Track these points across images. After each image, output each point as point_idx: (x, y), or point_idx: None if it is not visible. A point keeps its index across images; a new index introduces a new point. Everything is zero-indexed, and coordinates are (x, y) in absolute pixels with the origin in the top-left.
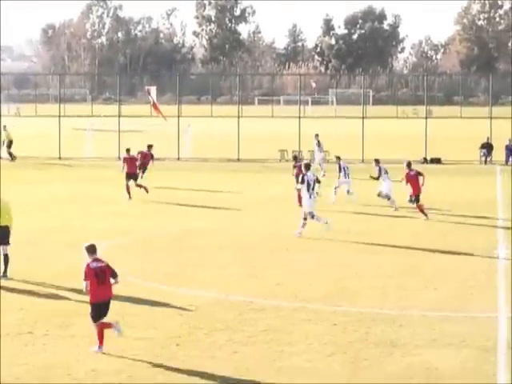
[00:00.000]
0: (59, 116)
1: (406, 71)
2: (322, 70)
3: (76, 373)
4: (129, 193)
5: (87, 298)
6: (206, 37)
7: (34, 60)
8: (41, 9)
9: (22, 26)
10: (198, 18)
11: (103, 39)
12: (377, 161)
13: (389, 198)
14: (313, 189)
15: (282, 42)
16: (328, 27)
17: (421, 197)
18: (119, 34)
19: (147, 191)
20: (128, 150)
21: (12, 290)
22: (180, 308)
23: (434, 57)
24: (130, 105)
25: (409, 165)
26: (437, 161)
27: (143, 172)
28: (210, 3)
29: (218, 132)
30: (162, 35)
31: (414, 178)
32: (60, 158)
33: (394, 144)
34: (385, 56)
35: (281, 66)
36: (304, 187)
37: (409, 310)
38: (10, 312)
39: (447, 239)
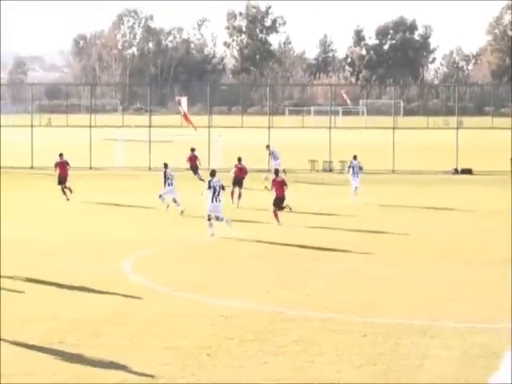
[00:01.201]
0: (90, 126)
1: (436, 82)
2: (353, 80)
3: (106, 382)
4: (65, 194)
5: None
6: (237, 47)
7: (65, 70)
8: (72, 19)
9: (54, 37)
10: (228, 28)
11: (134, 50)
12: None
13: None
14: (218, 194)
15: (312, 53)
16: (359, 38)
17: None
18: (150, 45)
19: (71, 192)
20: (61, 155)
21: (44, 300)
22: (210, 318)
23: (465, 67)
24: (160, 115)
25: (276, 172)
26: (468, 171)
27: (195, 173)
28: (240, 14)
29: (248, 142)
30: (192, 45)
31: (279, 185)
32: (91, 167)
33: (425, 155)
34: (416, 66)
35: (311, 76)
36: (210, 192)
37: (439, 321)
38: (41, 322)
39: (478, 250)
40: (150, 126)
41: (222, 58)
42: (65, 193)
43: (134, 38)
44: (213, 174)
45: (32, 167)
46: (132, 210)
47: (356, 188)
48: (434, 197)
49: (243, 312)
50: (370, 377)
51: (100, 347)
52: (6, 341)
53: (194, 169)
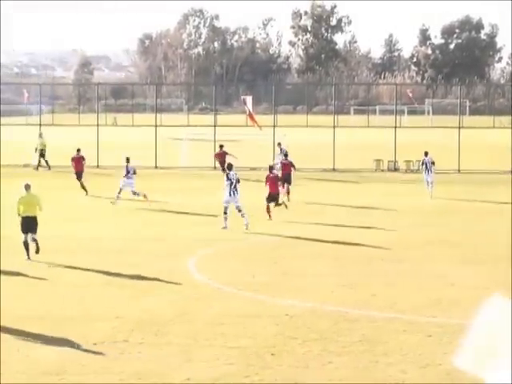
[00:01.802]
0: (155, 126)
1: (503, 81)
2: (418, 79)
3: (171, 381)
4: (85, 189)
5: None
6: (302, 46)
7: (130, 70)
8: (138, 19)
9: (120, 36)
10: (294, 27)
11: (199, 49)
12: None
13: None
14: (235, 187)
15: (378, 52)
16: (424, 37)
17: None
18: (215, 44)
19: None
20: (78, 150)
21: (109, 299)
22: (275, 317)
23: None
24: (225, 114)
25: (270, 168)
26: None
27: (223, 170)
28: (306, 13)
29: (313, 142)
30: (258, 45)
31: (272, 181)
32: (156, 167)
33: (491, 154)
34: (482, 66)
35: (377, 75)
36: (228, 184)
37: None
38: (106, 320)
39: None
40: (215, 126)
41: (288, 58)
42: (84, 188)
43: (200, 37)
44: (229, 167)
45: (98, 166)
46: (197, 209)
47: (431, 183)
48: (500, 196)
49: (308, 312)
50: (435, 377)
51: (164, 346)
52: (71, 339)
53: (223, 165)
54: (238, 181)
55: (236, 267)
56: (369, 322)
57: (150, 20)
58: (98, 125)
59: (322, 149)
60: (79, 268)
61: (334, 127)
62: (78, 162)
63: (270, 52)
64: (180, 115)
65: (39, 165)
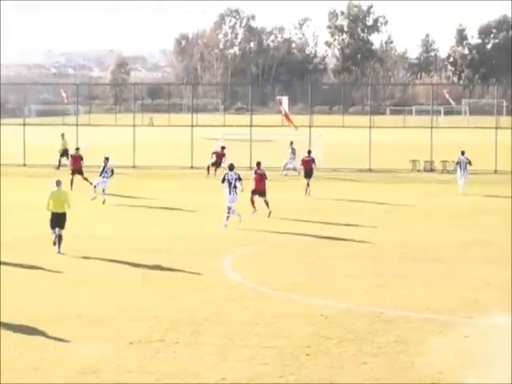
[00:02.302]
0: (192, 126)
1: None
2: (455, 79)
3: (206, 381)
4: (72, 185)
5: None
6: (339, 47)
7: (167, 70)
8: (175, 19)
9: (156, 37)
10: (330, 28)
11: (236, 49)
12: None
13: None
14: (234, 187)
15: (414, 52)
16: (461, 37)
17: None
18: (251, 45)
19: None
20: (77, 149)
21: (146, 298)
22: (310, 318)
23: None
24: (261, 114)
25: (258, 165)
26: None
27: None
28: (342, 13)
29: (349, 142)
30: (294, 45)
31: (259, 177)
32: (192, 167)
33: None
34: None
35: (413, 75)
36: (226, 184)
37: None
38: (142, 319)
39: None
40: (251, 126)
41: (324, 58)
42: (72, 184)
43: (236, 37)
44: (230, 168)
45: (134, 166)
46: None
47: (463, 182)
48: None
49: (343, 312)
50: (472, 378)
51: (199, 346)
52: (108, 337)
53: (219, 165)
54: (238, 179)
55: (271, 267)
56: (404, 323)
57: (187, 20)
58: (134, 125)
59: (357, 149)
60: (116, 267)
61: (370, 127)
62: (76, 160)
63: (306, 52)
64: (216, 115)
65: (60, 165)
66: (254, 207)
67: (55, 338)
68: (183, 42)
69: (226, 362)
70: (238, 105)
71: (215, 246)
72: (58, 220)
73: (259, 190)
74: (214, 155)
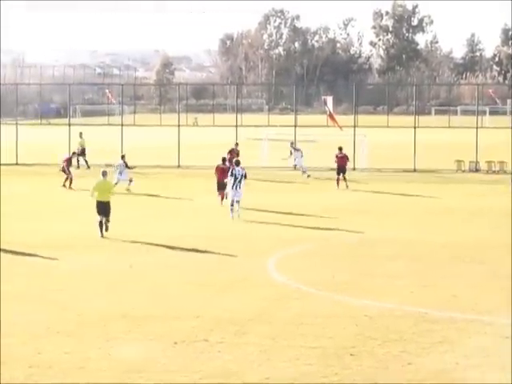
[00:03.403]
0: (236, 126)
1: None
2: (500, 79)
3: (250, 380)
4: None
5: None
6: (383, 46)
7: (211, 70)
8: (220, 20)
9: (201, 37)
10: (375, 27)
11: (280, 49)
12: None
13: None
14: (239, 181)
15: (459, 52)
16: (507, 36)
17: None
18: (296, 45)
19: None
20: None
21: (190, 298)
22: (355, 318)
23: None
24: (306, 115)
25: (223, 160)
26: None
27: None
28: (387, 13)
29: (394, 142)
30: (338, 45)
31: (221, 171)
32: None
33: None
34: None
35: (458, 75)
36: (232, 179)
37: None
38: (186, 319)
39: None
40: (295, 126)
41: (368, 58)
42: (66, 181)
43: (281, 37)
44: (237, 163)
45: (179, 166)
46: (277, 208)
47: None
48: None
49: (387, 312)
50: None
51: (243, 346)
52: (152, 337)
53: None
54: (244, 176)
55: (315, 267)
56: (449, 323)
57: (232, 20)
58: (178, 125)
59: (402, 149)
60: (160, 267)
61: (415, 128)
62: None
63: (351, 52)
64: (260, 115)
65: (86, 163)
66: (222, 200)
67: (100, 338)
68: (228, 42)
69: (270, 361)
70: (282, 105)
71: (260, 246)
72: (103, 208)
73: (222, 182)
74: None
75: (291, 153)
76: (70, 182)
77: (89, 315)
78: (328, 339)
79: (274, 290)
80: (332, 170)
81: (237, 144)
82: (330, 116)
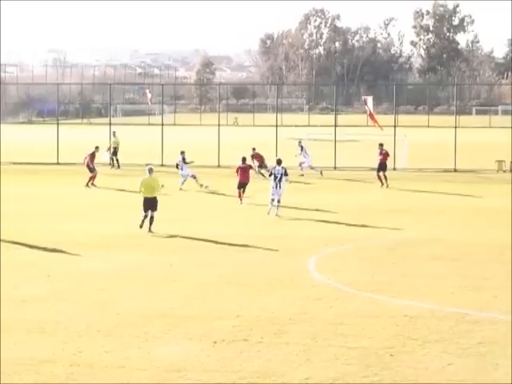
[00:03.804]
0: (276, 126)
1: None
2: None
3: (290, 381)
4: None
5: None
6: (424, 46)
7: (251, 70)
8: (260, 19)
9: (242, 36)
10: (415, 27)
11: (320, 49)
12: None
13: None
14: (279, 180)
15: (500, 52)
16: None
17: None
18: (336, 44)
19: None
20: (96, 148)
21: (230, 297)
22: (394, 318)
23: None
24: (346, 114)
25: (243, 160)
26: None
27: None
28: (428, 13)
29: (434, 142)
30: (379, 45)
31: (243, 171)
32: None
33: None
34: None
35: (499, 75)
36: (272, 178)
37: None
38: (226, 319)
39: None
40: (335, 126)
41: (409, 57)
42: (89, 181)
43: (321, 37)
44: (278, 162)
45: (219, 166)
46: (317, 208)
47: None
48: None
49: (427, 313)
50: None
51: (283, 346)
52: (192, 337)
53: (261, 165)
54: (285, 173)
55: (355, 267)
56: (490, 324)
57: (272, 20)
58: (219, 125)
59: (443, 149)
60: (200, 266)
61: (456, 127)
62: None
63: (392, 52)
64: (300, 115)
65: (117, 162)
66: (241, 200)
67: (139, 337)
68: (268, 42)
69: (310, 361)
70: (322, 105)
71: (300, 246)
72: (150, 203)
73: (244, 182)
74: (255, 159)
75: (302, 149)
76: (93, 179)
77: (128, 314)
78: (368, 339)
79: (314, 290)
80: (372, 169)
81: (254, 149)
82: (371, 116)
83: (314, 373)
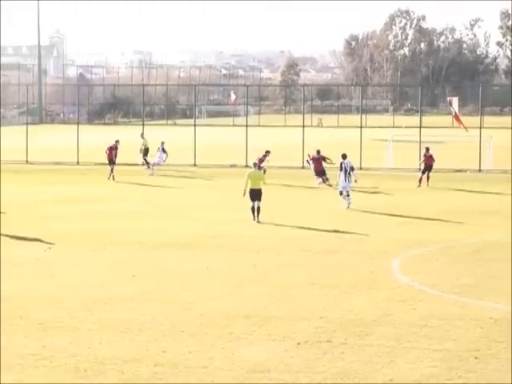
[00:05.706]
0: (361, 127)
1: None
2: None
3: (373, 382)
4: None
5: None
6: (510, 47)
7: (336, 71)
8: (345, 20)
9: (326, 38)
10: (502, 28)
11: (406, 50)
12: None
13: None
14: (348, 174)
15: None
16: None
17: None
18: (422, 45)
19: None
20: (117, 141)
21: (313, 299)
22: (479, 320)
23: None
24: (431, 116)
25: (318, 152)
26: None
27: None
28: None
29: None
30: (465, 46)
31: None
32: (361, 168)
33: None
34: None
35: None
36: (342, 171)
37: None
38: (310, 320)
39: None
40: (420, 127)
41: (495, 58)
42: (112, 172)
43: (406, 38)
44: (344, 156)
45: (303, 167)
46: (403, 210)
47: None
48: None
49: None
50: None
51: (367, 347)
52: (276, 337)
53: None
54: (352, 169)
55: (440, 269)
56: None
57: (357, 21)
58: (303, 126)
59: None
60: (285, 267)
61: None
62: (111, 150)
63: (477, 53)
64: (385, 116)
65: (147, 163)
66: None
67: (223, 337)
68: (353, 43)
69: (394, 363)
70: (407, 106)
71: (384, 247)
72: (256, 194)
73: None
74: (311, 161)
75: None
76: (111, 172)
77: (212, 315)
78: (452, 342)
79: (399, 292)
80: (456, 171)
81: (318, 151)
82: (456, 117)
83: (397, 375)
